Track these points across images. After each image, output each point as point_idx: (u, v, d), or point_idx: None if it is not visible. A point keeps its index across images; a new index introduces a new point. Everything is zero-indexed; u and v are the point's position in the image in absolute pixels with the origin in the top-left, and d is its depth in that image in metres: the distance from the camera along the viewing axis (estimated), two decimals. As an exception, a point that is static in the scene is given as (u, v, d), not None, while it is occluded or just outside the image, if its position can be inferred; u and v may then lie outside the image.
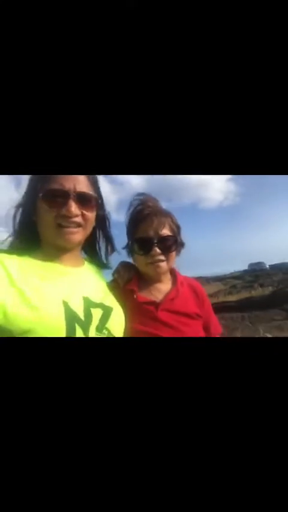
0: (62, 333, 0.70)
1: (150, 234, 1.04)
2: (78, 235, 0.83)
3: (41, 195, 0.78)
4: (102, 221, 0.96)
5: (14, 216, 0.85)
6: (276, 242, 41.48)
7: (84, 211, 0.82)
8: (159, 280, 1.11)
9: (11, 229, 0.85)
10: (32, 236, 0.84)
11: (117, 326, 0.87)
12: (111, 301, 0.92)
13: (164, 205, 1.13)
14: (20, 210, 0.85)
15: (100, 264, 1.02)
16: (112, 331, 0.84)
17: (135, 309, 1.00)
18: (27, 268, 0.75)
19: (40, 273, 0.76)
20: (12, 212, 0.85)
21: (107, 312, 0.85)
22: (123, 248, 1.12)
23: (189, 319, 1.06)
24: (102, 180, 0.93)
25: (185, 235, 1.14)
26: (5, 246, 0.82)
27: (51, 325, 0.69)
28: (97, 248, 1.01)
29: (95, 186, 0.87)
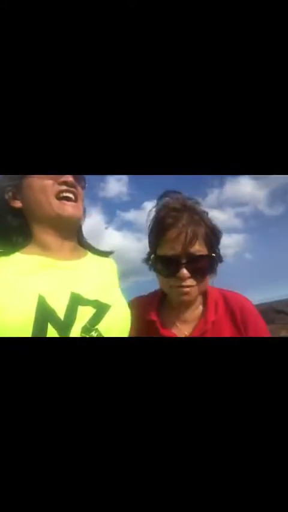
0: (27, 330, 0.62)
1: (176, 252, 0.79)
2: (76, 209, 0.78)
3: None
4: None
5: None
6: None
7: (77, 185, 0.78)
8: (186, 307, 0.87)
9: None
10: (17, 230, 0.76)
11: (113, 327, 0.75)
12: (110, 298, 0.78)
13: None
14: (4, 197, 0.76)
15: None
16: (105, 334, 0.72)
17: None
18: (6, 263, 0.69)
19: (19, 267, 0.69)
20: None
21: (101, 310, 0.73)
22: (144, 261, 0.89)
23: None
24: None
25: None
26: None
27: (13, 320, 0.62)
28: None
29: None
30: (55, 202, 0.75)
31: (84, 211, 0.86)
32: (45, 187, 0.74)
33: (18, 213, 0.76)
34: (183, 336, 0.85)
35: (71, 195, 0.76)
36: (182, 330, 0.86)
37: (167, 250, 0.81)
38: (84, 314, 0.70)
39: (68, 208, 0.75)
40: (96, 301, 0.74)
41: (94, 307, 0.73)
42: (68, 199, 0.76)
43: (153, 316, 0.85)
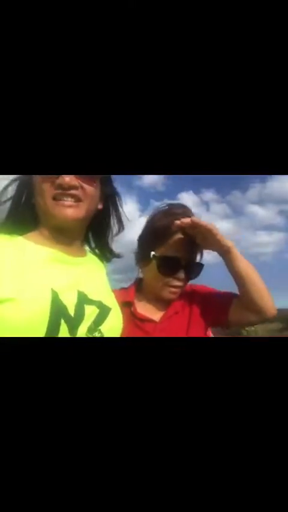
0: (43, 326, 0.62)
1: (179, 254, 0.89)
2: (75, 210, 0.74)
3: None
4: (112, 200, 0.87)
5: (16, 197, 0.78)
6: None
7: (84, 184, 0.74)
8: (166, 302, 0.97)
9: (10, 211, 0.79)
10: (31, 219, 0.78)
11: (113, 329, 0.79)
12: (110, 300, 0.82)
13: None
14: (25, 191, 0.79)
15: (106, 250, 0.93)
16: (106, 335, 0.75)
17: (130, 322, 0.88)
18: (16, 248, 0.69)
19: (32, 258, 0.70)
20: (13, 193, 0.78)
21: (103, 312, 0.77)
22: (135, 257, 0.98)
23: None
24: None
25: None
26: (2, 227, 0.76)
27: (31, 313, 0.61)
28: (106, 231, 0.91)
29: None
30: (51, 204, 0.73)
31: (118, 196, 0.88)
32: (42, 190, 0.73)
33: (34, 207, 0.79)
34: (154, 318, 0.94)
35: (68, 197, 0.73)
36: (154, 313, 0.96)
37: (171, 252, 0.90)
38: (90, 313, 0.73)
39: (64, 210, 0.73)
40: (100, 302, 0.77)
41: (98, 307, 0.76)
42: (65, 200, 0.74)
43: (130, 298, 0.95)
